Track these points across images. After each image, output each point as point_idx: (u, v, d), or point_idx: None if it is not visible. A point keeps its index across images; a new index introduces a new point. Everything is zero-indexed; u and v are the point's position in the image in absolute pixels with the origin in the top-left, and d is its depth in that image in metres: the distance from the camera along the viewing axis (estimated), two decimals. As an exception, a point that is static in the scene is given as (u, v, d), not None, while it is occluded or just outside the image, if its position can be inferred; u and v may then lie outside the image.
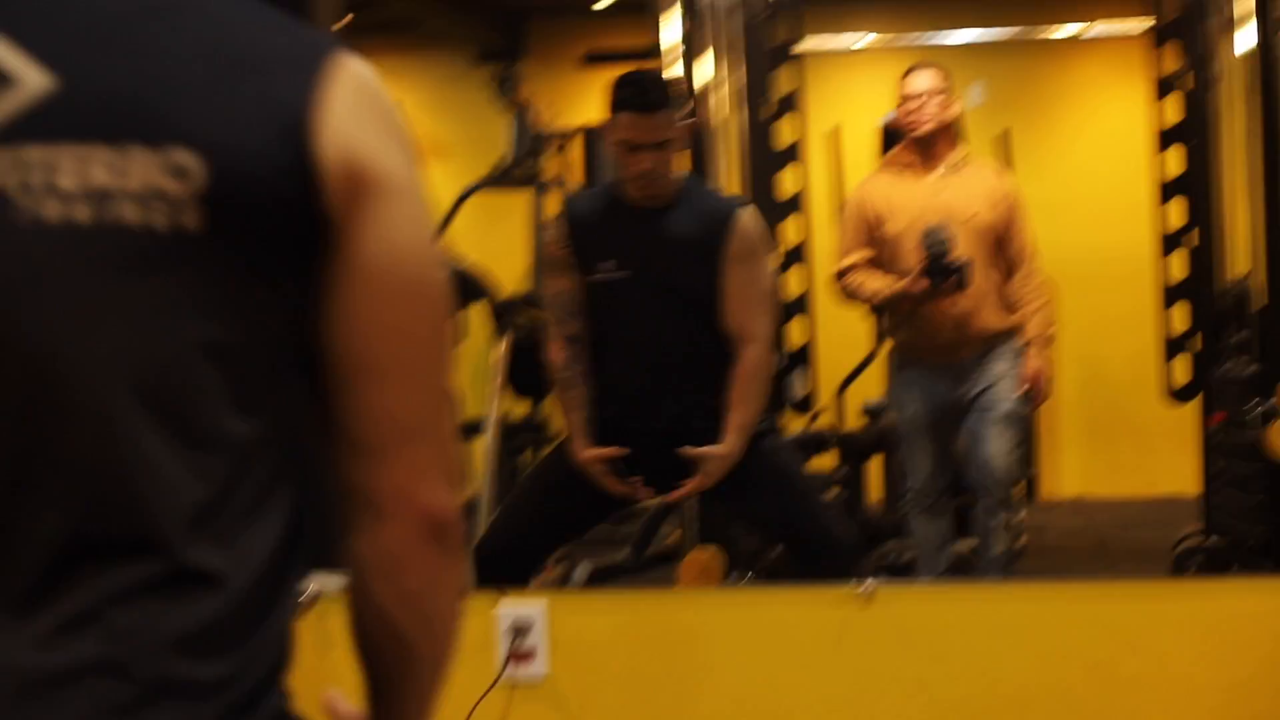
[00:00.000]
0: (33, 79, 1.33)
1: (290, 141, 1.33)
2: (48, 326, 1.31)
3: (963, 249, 5.13)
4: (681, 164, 4.35)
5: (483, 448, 5.51)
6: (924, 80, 5.27)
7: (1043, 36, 7.35)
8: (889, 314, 5.45)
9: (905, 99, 5.30)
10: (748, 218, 4.31)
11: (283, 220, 1.34)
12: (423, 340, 1.39)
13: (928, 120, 5.25)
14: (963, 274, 5.07)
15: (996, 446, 5.18)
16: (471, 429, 7.29)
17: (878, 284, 5.27)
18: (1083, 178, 7.84)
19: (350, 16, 5.06)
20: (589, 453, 4.27)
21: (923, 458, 5.36)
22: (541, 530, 4.49)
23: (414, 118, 8.66)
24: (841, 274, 5.35)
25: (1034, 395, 5.23)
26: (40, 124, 1.32)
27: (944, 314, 5.19)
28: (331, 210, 1.35)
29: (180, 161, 1.31)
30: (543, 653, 3.89)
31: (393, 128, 1.40)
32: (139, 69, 1.34)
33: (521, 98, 7.56)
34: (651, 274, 4.26)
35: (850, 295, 5.39)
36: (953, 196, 5.24)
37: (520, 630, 3.90)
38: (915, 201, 5.25)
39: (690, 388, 4.31)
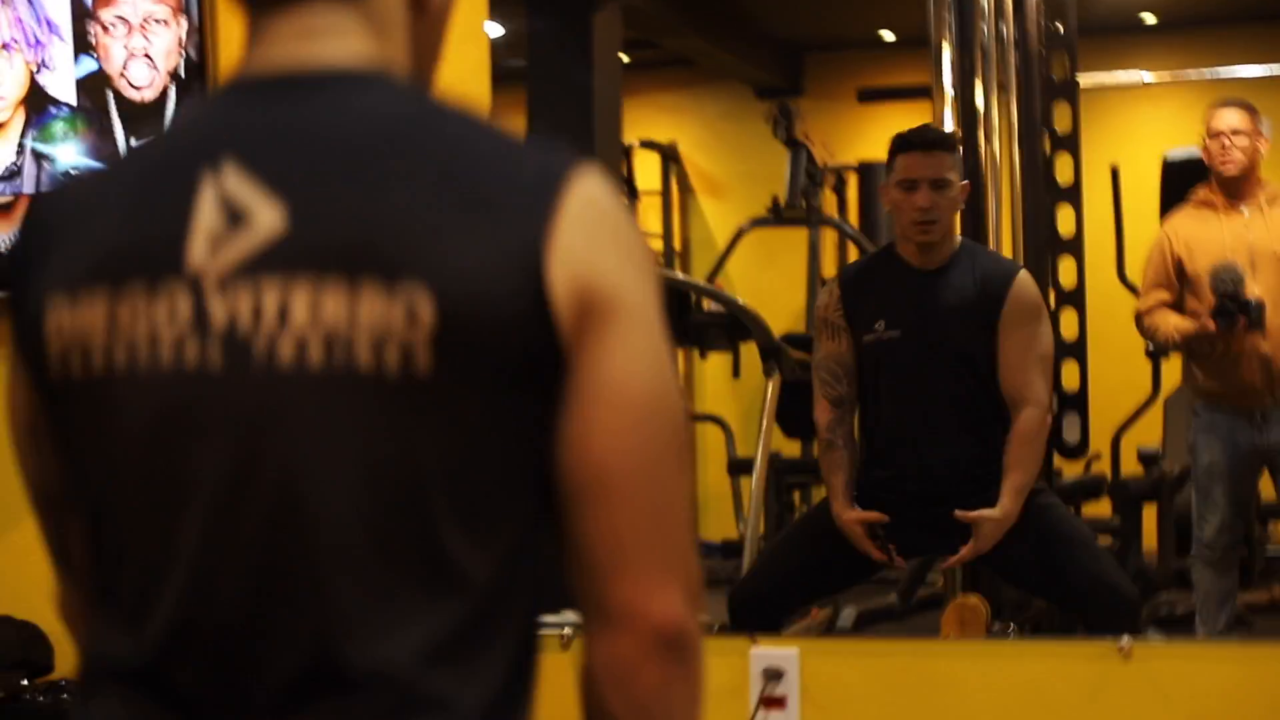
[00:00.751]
0: (267, 214, 1.34)
1: (522, 278, 1.33)
2: (285, 467, 1.34)
3: (1268, 288, 5.01)
4: (956, 223, 4.40)
5: (751, 487, 5.49)
6: (1232, 118, 5.15)
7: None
8: (1190, 356, 5.33)
9: (1211, 136, 5.17)
10: (1026, 280, 4.34)
11: (516, 355, 1.34)
12: (653, 459, 1.39)
13: (1235, 160, 5.13)
14: (1255, 313, 4.94)
15: None
16: (741, 468, 7.30)
17: (1174, 324, 5.17)
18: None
19: (630, 56, 5.14)
20: (850, 514, 4.32)
21: (1215, 508, 5.21)
22: (798, 582, 4.53)
23: (692, 154, 8.80)
24: (1142, 314, 5.26)
25: None
26: (274, 259, 1.34)
27: (1248, 356, 5.05)
28: (564, 339, 1.35)
29: (412, 300, 1.31)
30: (794, 700, 3.87)
31: (626, 246, 1.39)
32: (370, 203, 1.34)
33: (798, 134, 7.53)
34: (926, 334, 4.31)
35: (1149, 335, 5.34)
36: (1259, 235, 5.11)
37: (772, 676, 3.89)
38: (1218, 241, 5.13)
39: (961, 450, 4.31)
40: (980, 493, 4.25)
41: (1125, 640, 3.76)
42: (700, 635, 1.42)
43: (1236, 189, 5.17)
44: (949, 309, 4.31)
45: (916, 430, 4.36)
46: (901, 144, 4.35)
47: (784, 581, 4.50)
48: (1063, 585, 4.32)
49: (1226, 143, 5.14)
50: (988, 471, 4.26)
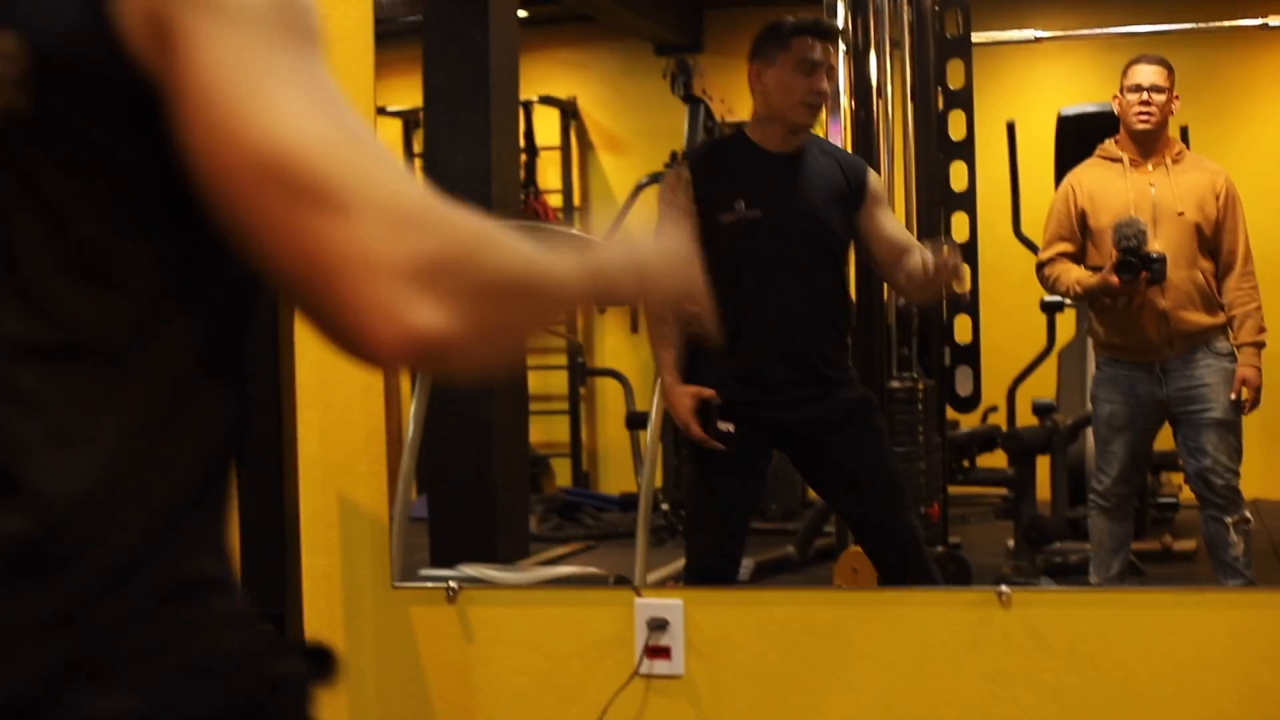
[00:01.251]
0: None
1: (104, 12, 1.28)
2: None
3: (1168, 245, 5.06)
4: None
5: (645, 442, 5.51)
6: (1152, 74, 5.19)
7: (1221, 27, 7.19)
8: (1091, 309, 5.39)
9: (1130, 89, 5.21)
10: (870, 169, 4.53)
11: (108, 91, 1.29)
12: (287, 206, 1.21)
13: (1150, 117, 5.16)
14: (1156, 268, 5.00)
15: (1214, 457, 5.09)
16: (640, 422, 7.33)
17: (1076, 276, 5.21)
18: (1267, 170, 7.63)
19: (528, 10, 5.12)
20: (681, 389, 4.29)
21: (1113, 458, 5.27)
22: (725, 535, 4.52)
23: (591, 110, 8.77)
24: (1043, 264, 5.31)
25: (1244, 403, 5.12)
26: None
27: (1148, 310, 5.10)
28: (147, 65, 1.28)
29: (4, 44, 1.29)
30: (679, 649, 3.90)
31: None
32: None
33: (697, 90, 7.54)
34: (790, 215, 4.35)
35: (1050, 286, 5.38)
36: (1163, 192, 5.15)
37: (657, 626, 3.91)
38: (1123, 195, 5.18)
39: (820, 338, 4.39)
40: (834, 387, 4.37)
41: (1004, 588, 3.81)
42: (460, 325, 1.23)
43: (1148, 145, 5.21)
44: (814, 190, 4.36)
45: (778, 316, 4.36)
46: (800, 28, 4.40)
47: (716, 544, 4.50)
48: (882, 525, 4.45)
49: (1146, 97, 5.18)
50: (840, 364, 4.40)
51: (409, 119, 7.81)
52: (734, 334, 4.34)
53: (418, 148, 6.62)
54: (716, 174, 4.38)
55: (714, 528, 4.50)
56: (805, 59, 4.33)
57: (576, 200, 8.87)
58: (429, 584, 4.02)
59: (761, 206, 4.32)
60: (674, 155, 7.69)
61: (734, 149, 4.44)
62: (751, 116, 4.44)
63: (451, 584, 3.97)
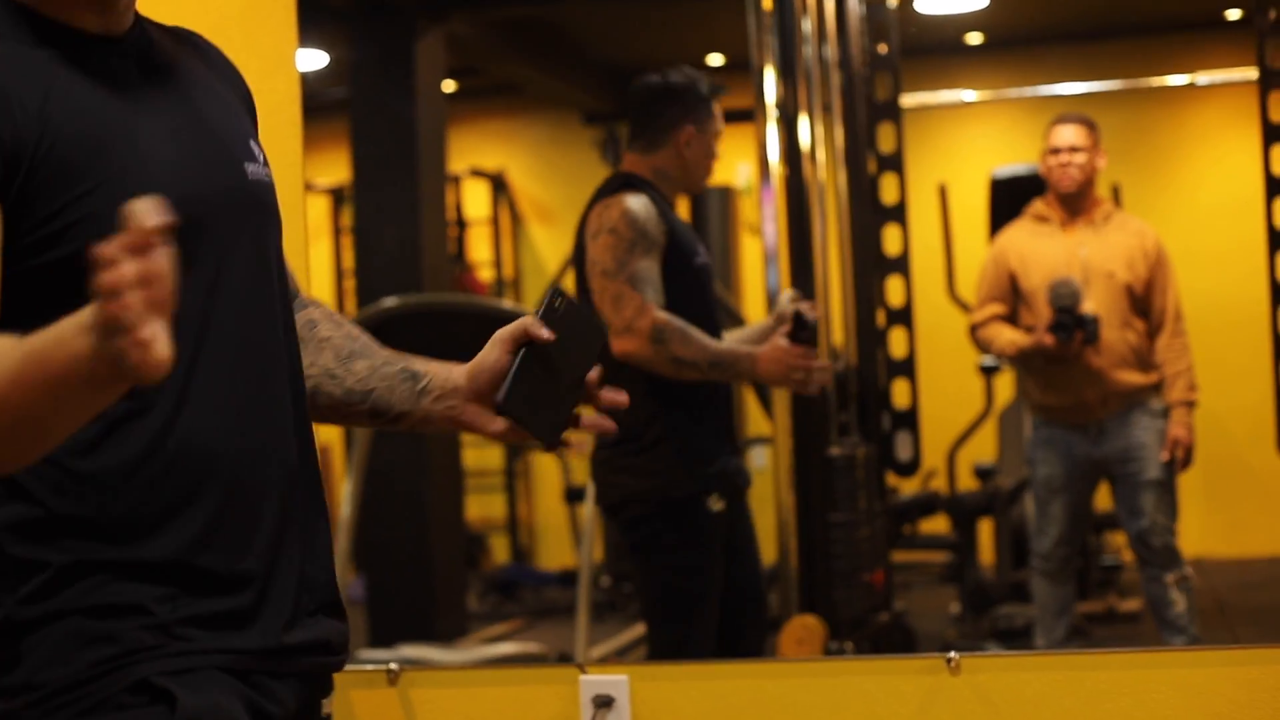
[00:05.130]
0: None
1: None
2: None
3: (1099, 305, 5.03)
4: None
5: (583, 516, 5.45)
6: (1070, 134, 5.16)
7: (1150, 85, 7.27)
8: (1025, 370, 5.37)
9: (1051, 152, 5.20)
10: None
11: None
12: None
13: (1073, 177, 5.15)
14: (1090, 329, 4.98)
15: (1152, 518, 5.06)
16: (577, 495, 7.28)
17: (1009, 338, 5.19)
18: (1198, 227, 7.70)
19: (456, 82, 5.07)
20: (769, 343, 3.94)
21: (1052, 520, 5.22)
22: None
23: (521, 181, 8.77)
24: (976, 326, 5.29)
25: (1177, 462, 5.10)
26: None
27: (1083, 370, 5.08)
28: None
29: None
30: (626, 726, 3.83)
31: None
32: None
33: (627, 159, 7.52)
34: (709, 264, 4.14)
35: (983, 348, 5.35)
36: (1093, 252, 5.13)
37: (602, 703, 3.84)
38: (1053, 256, 5.15)
39: None
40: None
41: (953, 654, 3.75)
42: None
43: (1073, 205, 5.19)
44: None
45: None
46: (718, 91, 4.17)
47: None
48: (759, 592, 4.34)
49: (1065, 159, 5.17)
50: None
51: (338, 193, 7.78)
52: (705, 389, 4.03)
53: (347, 221, 6.57)
54: (670, 216, 4.02)
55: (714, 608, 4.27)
56: (719, 128, 4.13)
57: (508, 272, 8.85)
58: (369, 666, 3.93)
59: (703, 252, 4.10)
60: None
61: (659, 195, 4.03)
62: (649, 169, 4.08)
63: (392, 665, 3.88)
